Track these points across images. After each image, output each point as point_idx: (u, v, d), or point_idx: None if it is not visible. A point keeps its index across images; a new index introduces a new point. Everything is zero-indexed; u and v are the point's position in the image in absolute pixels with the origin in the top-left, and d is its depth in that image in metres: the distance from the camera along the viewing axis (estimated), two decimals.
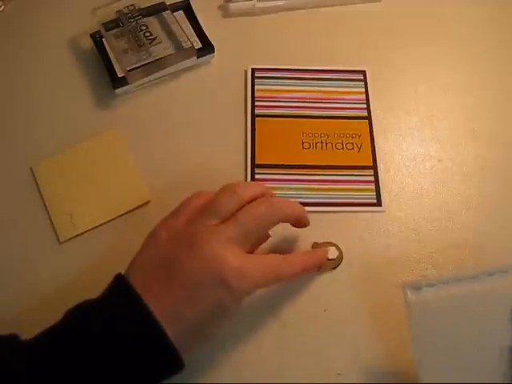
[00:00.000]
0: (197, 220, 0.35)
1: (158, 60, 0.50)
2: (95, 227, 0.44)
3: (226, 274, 0.32)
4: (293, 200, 0.40)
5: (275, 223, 0.37)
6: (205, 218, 0.35)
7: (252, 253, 0.40)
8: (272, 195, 0.39)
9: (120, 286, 0.33)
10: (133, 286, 0.32)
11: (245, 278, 0.33)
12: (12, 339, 0.33)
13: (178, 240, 0.34)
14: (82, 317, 0.32)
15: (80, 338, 0.31)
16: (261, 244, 0.41)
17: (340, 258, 0.42)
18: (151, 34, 0.51)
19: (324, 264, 0.41)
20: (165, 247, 0.34)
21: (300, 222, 0.40)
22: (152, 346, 0.31)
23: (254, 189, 0.38)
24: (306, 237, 0.43)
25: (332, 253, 0.42)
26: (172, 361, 0.32)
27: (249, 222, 0.35)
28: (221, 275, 0.32)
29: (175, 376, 0.33)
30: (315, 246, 0.43)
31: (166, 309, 0.31)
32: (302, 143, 0.48)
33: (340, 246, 0.43)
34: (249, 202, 0.36)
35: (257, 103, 0.50)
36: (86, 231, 0.44)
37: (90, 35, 0.52)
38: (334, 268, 0.42)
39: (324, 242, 0.43)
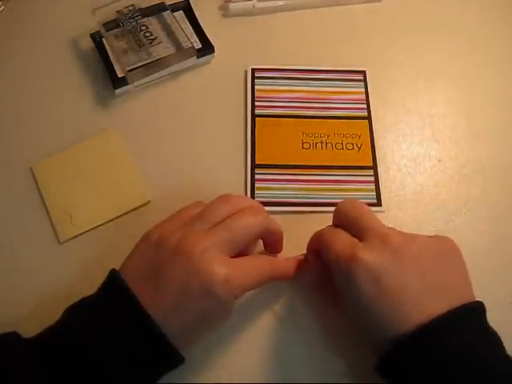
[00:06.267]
0: (187, 226, 0.35)
1: (158, 60, 0.50)
2: (95, 227, 0.44)
3: (212, 284, 0.32)
4: None
5: (261, 235, 0.38)
6: (195, 224, 0.35)
7: (246, 254, 0.40)
8: (264, 212, 0.39)
9: (115, 283, 0.33)
10: (127, 285, 0.32)
11: (231, 285, 0.33)
12: (13, 337, 0.33)
13: (166, 245, 0.34)
14: (79, 315, 0.32)
15: (78, 337, 0.31)
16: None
17: None
18: (151, 34, 0.51)
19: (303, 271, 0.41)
20: (153, 251, 0.34)
21: (277, 244, 0.40)
22: (149, 343, 0.31)
23: (248, 202, 0.38)
24: (307, 237, 0.43)
25: None
26: (170, 356, 0.32)
27: (237, 228, 0.35)
28: (207, 285, 0.32)
29: (174, 375, 0.34)
30: None
31: (154, 314, 0.31)
32: (302, 143, 0.48)
33: None
34: None
35: (257, 103, 0.50)
36: (86, 231, 0.44)
37: (90, 35, 0.52)
38: None
39: None
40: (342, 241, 0.35)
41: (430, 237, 0.35)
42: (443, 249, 0.34)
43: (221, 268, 0.33)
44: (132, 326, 0.31)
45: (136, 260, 0.35)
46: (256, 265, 0.36)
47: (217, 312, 0.34)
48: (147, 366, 0.32)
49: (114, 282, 0.33)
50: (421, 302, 0.32)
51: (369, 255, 0.33)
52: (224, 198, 0.37)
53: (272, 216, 0.39)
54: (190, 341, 0.34)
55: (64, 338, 0.32)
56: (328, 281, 0.38)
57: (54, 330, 0.32)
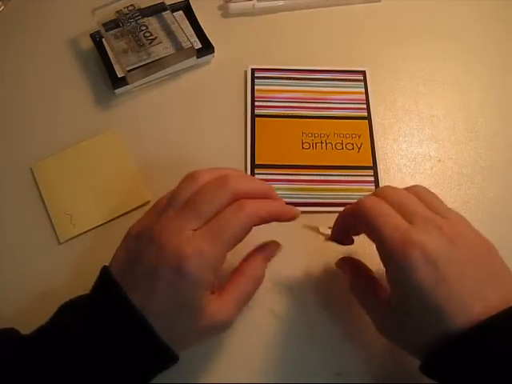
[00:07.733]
0: (159, 214, 0.35)
1: (157, 60, 0.50)
2: (95, 227, 0.44)
3: (180, 259, 0.31)
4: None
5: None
6: (166, 210, 0.35)
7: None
8: (233, 176, 0.35)
9: (105, 282, 0.33)
10: (113, 278, 0.33)
11: (201, 257, 0.32)
12: (10, 333, 0.33)
13: (143, 236, 0.34)
14: (72, 314, 0.33)
15: (71, 335, 0.31)
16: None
17: None
18: (151, 34, 0.51)
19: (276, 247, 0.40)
20: (133, 244, 0.35)
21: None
22: (140, 341, 0.31)
23: (213, 173, 0.36)
24: (306, 237, 0.43)
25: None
26: (161, 354, 0.32)
27: (203, 208, 0.33)
28: (176, 263, 0.31)
29: (174, 375, 0.34)
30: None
31: (135, 304, 0.31)
32: (302, 143, 0.48)
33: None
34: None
35: (257, 103, 0.50)
36: (86, 231, 0.44)
37: (90, 35, 0.52)
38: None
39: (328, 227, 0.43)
40: (393, 223, 0.33)
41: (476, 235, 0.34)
42: (490, 245, 0.33)
43: (187, 245, 0.32)
44: (117, 315, 0.31)
45: (119, 254, 0.35)
46: (225, 226, 0.33)
47: (190, 296, 0.32)
48: (137, 360, 0.32)
49: (102, 278, 0.34)
50: (479, 290, 0.30)
51: (426, 240, 0.31)
52: (189, 177, 0.36)
53: None
54: (177, 334, 0.33)
55: (57, 336, 0.32)
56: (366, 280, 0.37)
57: (46, 328, 0.33)
